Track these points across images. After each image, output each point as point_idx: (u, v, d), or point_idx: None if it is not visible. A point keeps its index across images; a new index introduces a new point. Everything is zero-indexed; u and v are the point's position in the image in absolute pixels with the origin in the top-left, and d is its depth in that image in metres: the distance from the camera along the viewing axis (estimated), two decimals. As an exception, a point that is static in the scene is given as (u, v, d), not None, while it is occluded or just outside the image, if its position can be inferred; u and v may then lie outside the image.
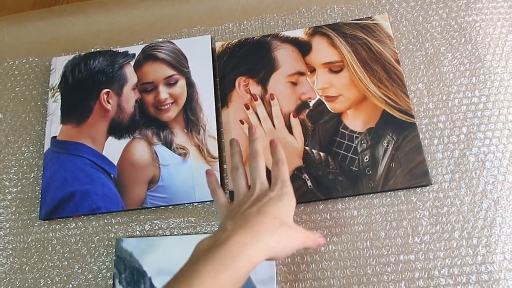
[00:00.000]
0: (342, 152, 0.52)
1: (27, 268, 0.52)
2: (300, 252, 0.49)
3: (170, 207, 0.53)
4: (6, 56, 0.63)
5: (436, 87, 0.54)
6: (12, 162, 0.57)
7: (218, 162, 0.53)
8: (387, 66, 0.55)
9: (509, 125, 0.52)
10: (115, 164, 0.54)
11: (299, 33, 0.58)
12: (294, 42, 0.57)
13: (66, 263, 0.52)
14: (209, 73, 0.57)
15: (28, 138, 0.58)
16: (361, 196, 0.51)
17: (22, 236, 0.54)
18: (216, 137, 0.54)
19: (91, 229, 0.53)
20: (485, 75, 0.54)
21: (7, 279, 0.52)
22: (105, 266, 0.51)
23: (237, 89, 0.56)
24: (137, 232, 0.52)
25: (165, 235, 0.51)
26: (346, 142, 0.52)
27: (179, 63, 0.58)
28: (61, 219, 0.54)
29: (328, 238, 0.50)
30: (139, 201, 0.52)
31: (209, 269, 0.34)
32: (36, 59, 0.63)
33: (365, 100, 0.54)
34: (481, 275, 0.46)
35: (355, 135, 0.52)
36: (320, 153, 0.52)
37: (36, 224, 0.54)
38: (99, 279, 0.51)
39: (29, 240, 0.54)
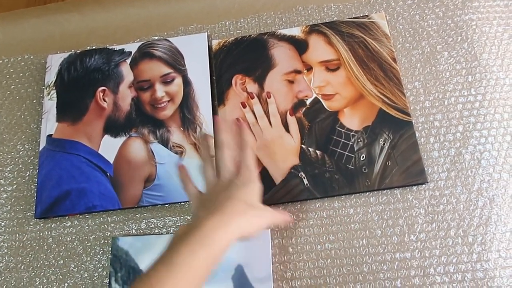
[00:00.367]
0: (338, 150, 0.52)
1: (22, 267, 0.52)
2: (297, 250, 0.49)
3: (166, 205, 0.53)
4: (1, 54, 0.63)
5: (433, 85, 0.55)
6: (8, 161, 0.57)
7: (215, 160, 0.53)
8: (384, 65, 0.55)
9: (505, 123, 0.52)
10: (111, 163, 0.54)
11: (296, 31, 0.58)
12: (291, 40, 0.57)
13: (62, 262, 0.52)
14: (206, 71, 0.57)
15: (23, 137, 0.58)
16: (357, 194, 0.51)
17: (17, 235, 0.53)
18: (212, 135, 0.54)
19: (87, 227, 0.53)
20: (481, 74, 0.55)
21: (2, 278, 0.52)
22: (101, 265, 0.51)
23: (233, 87, 0.56)
24: (133, 231, 0.52)
25: (162, 234, 0.51)
26: (342, 140, 0.52)
27: (176, 61, 0.58)
28: (56, 218, 0.54)
29: (325, 237, 0.50)
30: (135, 200, 0.52)
31: (186, 249, 0.38)
32: (32, 57, 0.62)
33: (362, 99, 0.54)
34: (476, 273, 0.47)
35: (351, 133, 0.52)
36: (317, 151, 0.52)
37: (31, 223, 0.54)
38: (95, 278, 0.51)
39: (25, 238, 0.53)
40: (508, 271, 0.47)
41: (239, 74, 0.56)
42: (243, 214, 0.41)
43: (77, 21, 0.63)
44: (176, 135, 0.54)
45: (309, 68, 0.55)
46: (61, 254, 0.52)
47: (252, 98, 0.55)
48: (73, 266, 0.52)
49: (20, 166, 0.57)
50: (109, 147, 0.55)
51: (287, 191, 0.51)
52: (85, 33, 0.62)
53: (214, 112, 0.56)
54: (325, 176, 0.51)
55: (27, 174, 0.56)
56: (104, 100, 0.57)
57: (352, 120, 0.53)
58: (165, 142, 0.54)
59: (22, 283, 0.51)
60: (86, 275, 0.51)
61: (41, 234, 0.53)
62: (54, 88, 0.58)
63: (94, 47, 0.61)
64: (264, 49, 0.57)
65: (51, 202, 0.53)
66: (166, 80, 0.57)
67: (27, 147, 0.58)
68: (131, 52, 0.59)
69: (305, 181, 0.51)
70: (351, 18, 0.58)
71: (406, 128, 0.52)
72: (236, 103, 0.55)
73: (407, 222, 0.49)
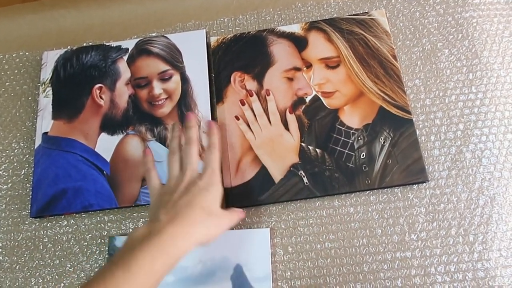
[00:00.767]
0: (338, 148, 0.51)
1: (17, 267, 0.51)
2: (296, 249, 0.49)
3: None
4: (-4, 50, 0.62)
5: (433, 83, 0.54)
6: (2, 159, 0.56)
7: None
8: (384, 62, 0.54)
9: (506, 121, 0.52)
10: (108, 161, 0.53)
11: (295, 28, 0.57)
12: (290, 37, 0.57)
13: (58, 261, 0.51)
14: (204, 68, 0.57)
15: (18, 134, 0.57)
16: (357, 193, 0.50)
17: (12, 234, 0.53)
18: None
19: (83, 227, 0.52)
20: (482, 71, 0.54)
21: (-3, 278, 0.51)
22: (97, 265, 0.50)
23: (232, 84, 0.55)
24: (130, 230, 0.51)
25: (159, 233, 0.51)
26: (342, 138, 0.52)
27: (174, 58, 0.57)
28: (52, 217, 0.53)
29: (325, 236, 0.49)
30: (133, 198, 0.51)
31: (145, 255, 0.38)
32: (27, 53, 0.61)
33: (362, 96, 0.53)
34: (478, 272, 0.46)
35: (351, 131, 0.52)
36: (317, 149, 0.51)
37: (26, 222, 0.53)
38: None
39: (20, 238, 0.52)
40: (510, 270, 0.46)
41: (238, 71, 0.56)
42: (203, 223, 0.42)
43: (73, 17, 0.62)
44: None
45: (309, 66, 0.55)
46: (57, 253, 0.51)
47: (251, 95, 0.54)
48: (69, 266, 0.51)
49: (15, 164, 0.56)
50: (106, 145, 0.54)
51: (287, 189, 0.50)
52: (81, 29, 0.61)
53: (213, 110, 0.55)
54: (325, 175, 0.50)
55: (22, 173, 0.55)
56: (101, 98, 0.56)
57: (352, 118, 0.52)
58: (162, 140, 0.54)
59: (17, 284, 0.51)
60: (82, 275, 0.50)
61: (36, 234, 0.52)
62: (49, 85, 0.57)
63: (90, 43, 0.60)
64: (263, 46, 0.56)
65: (47, 201, 0.52)
66: (163, 77, 0.56)
67: (22, 145, 0.57)
68: (128, 49, 0.58)
69: (305, 180, 0.50)
70: (351, 15, 0.57)
71: (407, 126, 0.51)
72: (235, 100, 0.54)
73: (407, 221, 0.49)
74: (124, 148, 0.54)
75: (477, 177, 0.50)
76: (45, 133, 0.55)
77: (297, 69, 0.55)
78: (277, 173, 0.51)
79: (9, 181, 0.55)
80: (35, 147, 0.55)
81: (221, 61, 0.57)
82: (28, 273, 0.51)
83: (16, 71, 0.61)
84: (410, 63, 0.55)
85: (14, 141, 0.57)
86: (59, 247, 0.52)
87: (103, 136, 0.54)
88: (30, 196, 0.53)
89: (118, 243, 0.50)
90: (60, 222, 0.53)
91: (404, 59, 0.56)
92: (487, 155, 0.51)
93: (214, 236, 0.43)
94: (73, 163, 0.53)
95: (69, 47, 0.60)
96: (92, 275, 0.50)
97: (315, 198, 0.50)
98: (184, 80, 0.56)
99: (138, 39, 0.59)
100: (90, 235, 0.52)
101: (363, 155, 0.51)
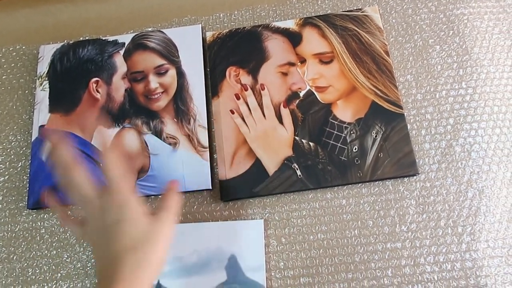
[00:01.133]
0: (331, 142, 0.52)
1: (14, 257, 0.52)
2: (289, 240, 0.50)
3: (159, 196, 0.53)
4: (-8, 44, 0.62)
5: (424, 78, 0.55)
6: (-1, 151, 0.57)
7: (208, 152, 0.53)
8: (377, 58, 0.55)
9: (495, 116, 0.53)
10: (105, 153, 0.54)
11: (290, 24, 0.58)
12: (285, 33, 0.57)
13: (55, 252, 0.52)
14: (200, 63, 0.57)
15: (15, 127, 0.58)
16: (349, 185, 0.51)
17: (9, 226, 0.53)
18: (206, 126, 0.54)
19: (80, 218, 0.53)
20: (472, 68, 0.55)
21: (-6, 268, 0.52)
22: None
23: (227, 79, 0.56)
24: (127, 221, 0.52)
25: (155, 224, 0.51)
26: (335, 132, 0.53)
27: (170, 52, 0.58)
28: (49, 209, 0.53)
29: (317, 227, 0.50)
30: (129, 190, 0.52)
31: None
32: (24, 47, 0.62)
33: (355, 91, 0.54)
34: (466, 262, 0.48)
35: (344, 125, 0.53)
36: (310, 143, 0.52)
37: (24, 214, 0.54)
38: (88, 268, 0.51)
39: (17, 229, 0.53)
40: (496, 260, 0.48)
41: (233, 66, 0.57)
42: (143, 262, 0.36)
43: (70, 11, 0.63)
44: (170, 126, 0.54)
45: (303, 61, 0.56)
46: (54, 244, 0.52)
47: (246, 90, 0.55)
48: (66, 256, 0.51)
49: (12, 157, 0.56)
50: (102, 138, 0.54)
51: (280, 182, 0.51)
52: (78, 23, 0.62)
53: (208, 104, 0.56)
54: (318, 168, 0.51)
55: (19, 165, 0.56)
56: (97, 91, 0.57)
57: (345, 112, 0.53)
58: (158, 133, 0.54)
59: (14, 274, 0.51)
60: (79, 265, 0.51)
61: (33, 225, 0.53)
62: (46, 78, 0.58)
63: (87, 37, 0.61)
64: (258, 41, 0.57)
65: (44, 193, 0.53)
66: (159, 72, 0.57)
67: (19, 137, 0.57)
68: (124, 43, 0.59)
69: (298, 172, 0.51)
70: (345, 11, 0.58)
71: (398, 120, 0.52)
72: (230, 94, 0.55)
73: (398, 213, 0.50)
74: (120, 141, 0.54)
75: (466, 171, 0.51)
76: (42, 126, 0.56)
77: (292, 64, 0.56)
78: (271, 166, 0.52)
79: (6, 173, 0.56)
80: (32, 140, 0.55)
81: (216, 56, 0.57)
82: (25, 264, 0.52)
83: (12, 64, 0.61)
84: (402, 59, 0.56)
85: (11, 133, 0.57)
86: (56, 238, 0.52)
87: (100, 129, 0.55)
88: (27, 188, 0.54)
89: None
90: (57, 214, 0.53)
91: (396, 55, 0.57)
92: (476, 149, 0.52)
93: (163, 258, 0.37)
94: (69, 156, 0.54)
95: (65, 41, 0.60)
96: (88, 265, 0.51)
97: (308, 191, 0.51)
98: (180, 74, 0.57)
99: (135, 34, 0.59)
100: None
101: (355, 148, 0.52)
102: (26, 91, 0.59)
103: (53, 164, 0.40)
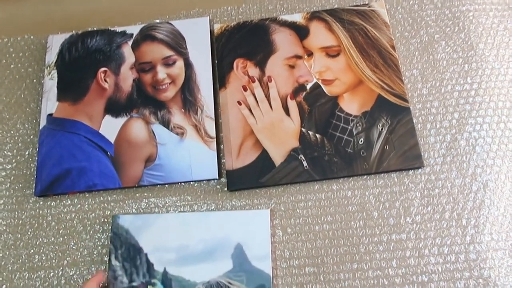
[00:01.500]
0: (337, 134, 0.53)
1: (21, 244, 0.52)
2: (295, 230, 0.50)
3: (166, 185, 0.53)
4: (1, 33, 0.63)
5: (430, 73, 0.56)
6: (7, 139, 0.57)
7: (215, 142, 0.54)
8: (383, 52, 0.56)
9: (499, 111, 0.54)
10: (112, 142, 0.54)
11: (297, 18, 0.58)
12: (292, 26, 0.58)
13: (61, 239, 0.52)
14: (207, 54, 0.58)
15: (23, 116, 0.58)
16: (355, 177, 0.52)
17: (16, 213, 0.54)
18: (213, 117, 0.55)
19: (86, 206, 0.53)
20: (477, 63, 0.56)
21: (1, 254, 0.52)
22: (100, 243, 0.51)
23: (235, 71, 0.56)
24: (133, 210, 0.53)
25: (162, 213, 0.52)
26: (341, 124, 0.53)
27: (177, 44, 0.58)
28: (56, 196, 0.54)
29: (323, 218, 0.51)
30: (136, 179, 0.53)
31: None
32: (32, 37, 0.62)
33: (361, 84, 0.55)
34: (469, 254, 0.48)
35: (350, 118, 0.53)
36: (316, 134, 0.53)
37: (31, 201, 0.54)
38: (95, 256, 0.51)
39: (24, 216, 0.53)
40: (500, 253, 0.48)
41: (240, 58, 0.57)
42: None
43: (78, 2, 0.63)
44: (177, 117, 0.55)
45: (310, 54, 0.56)
46: (60, 232, 0.52)
47: (253, 81, 0.56)
48: (72, 243, 0.52)
49: (20, 144, 0.57)
50: (110, 127, 0.55)
51: (287, 173, 0.51)
52: (86, 14, 0.62)
53: (216, 95, 0.56)
54: (324, 159, 0.52)
55: (27, 153, 0.56)
56: (105, 81, 0.57)
57: (351, 105, 0.54)
58: (166, 123, 0.55)
59: (20, 260, 0.51)
60: (85, 252, 0.51)
61: (40, 212, 0.53)
62: (55, 68, 0.58)
63: (95, 28, 0.61)
64: (265, 34, 0.58)
65: (51, 180, 0.53)
66: (167, 63, 0.57)
67: (26, 126, 0.57)
68: (132, 34, 0.59)
69: (305, 164, 0.52)
70: (352, 5, 0.59)
71: (404, 114, 0.53)
72: (237, 86, 0.56)
73: (403, 205, 0.50)
74: (128, 130, 0.55)
75: (470, 164, 0.52)
76: (50, 115, 0.56)
77: (299, 57, 0.56)
78: (277, 157, 0.52)
79: (14, 160, 0.56)
80: (40, 128, 0.56)
81: (224, 48, 0.58)
82: (32, 250, 0.52)
83: (20, 54, 0.61)
84: (408, 54, 0.57)
85: (19, 122, 0.58)
86: (63, 225, 0.53)
87: (107, 118, 0.55)
88: (35, 176, 0.54)
89: (121, 222, 0.51)
90: (64, 202, 0.54)
91: (402, 49, 0.57)
92: (480, 143, 0.52)
93: None
94: (77, 144, 0.54)
95: (74, 31, 0.61)
96: (95, 252, 0.51)
97: (314, 182, 0.52)
98: (188, 65, 0.57)
99: (143, 25, 0.60)
100: (93, 214, 0.53)
101: (361, 140, 0.52)
102: (34, 80, 0.60)
103: None
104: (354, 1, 0.60)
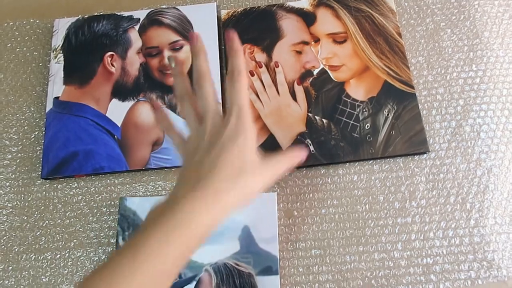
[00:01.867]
0: (344, 119, 0.53)
1: (27, 226, 0.52)
2: (301, 213, 0.51)
3: (173, 169, 0.53)
4: (6, 17, 0.62)
5: (436, 60, 0.56)
6: (13, 122, 0.57)
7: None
8: (389, 39, 0.56)
9: (503, 99, 0.54)
10: (119, 126, 0.54)
11: (304, 4, 0.59)
12: (299, 13, 0.58)
13: (68, 221, 0.52)
14: (214, 40, 0.58)
15: (29, 99, 0.58)
16: (361, 161, 0.52)
17: (22, 195, 0.54)
18: (220, 102, 0.55)
19: (93, 189, 0.53)
20: (482, 51, 0.56)
21: (7, 237, 0.52)
22: (107, 225, 0.52)
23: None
24: (140, 193, 0.53)
25: (169, 196, 0.52)
26: (348, 110, 0.53)
27: (184, 29, 0.58)
28: (63, 179, 0.54)
29: (329, 201, 0.51)
30: (143, 162, 0.53)
31: (157, 236, 0.31)
32: (37, 21, 0.62)
33: (368, 71, 0.55)
34: (474, 238, 0.49)
35: (357, 103, 0.54)
36: (323, 119, 0.53)
37: (37, 183, 0.54)
38: (101, 237, 0.51)
39: (30, 199, 0.53)
40: (504, 236, 0.49)
41: (247, 43, 0.57)
42: (232, 186, 0.34)
43: (85, -13, 0.63)
44: (185, 101, 0.55)
45: (317, 40, 0.57)
46: (67, 214, 0.52)
47: (260, 67, 0.56)
48: (79, 226, 0.52)
49: (26, 127, 0.57)
50: (117, 111, 0.55)
51: (293, 157, 0.52)
52: (92, -1, 0.62)
53: (223, 80, 0.56)
54: (331, 144, 0.52)
55: (33, 136, 0.56)
56: (112, 65, 0.57)
57: (358, 91, 0.54)
58: (173, 107, 0.55)
59: (27, 242, 0.52)
60: (92, 234, 0.51)
61: (47, 195, 0.53)
62: (61, 51, 0.58)
63: (101, 13, 0.61)
64: (272, 20, 0.58)
65: (58, 163, 0.53)
66: (174, 47, 0.58)
67: (32, 109, 0.57)
68: (139, 19, 0.59)
69: (311, 148, 0.52)
70: (359, -7, 0.59)
71: (410, 100, 0.53)
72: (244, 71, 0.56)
73: (408, 189, 0.51)
74: (135, 113, 0.55)
75: (475, 150, 0.52)
76: (56, 98, 0.56)
77: (305, 43, 0.57)
78: (284, 141, 0.52)
79: (20, 143, 0.56)
80: (46, 111, 0.56)
81: (231, 33, 0.58)
82: (38, 232, 0.52)
83: (26, 37, 0.61)
84: (414, 41, 0.57)
85: (25, 105, 0.58)
86: (70, 208, 0.53)
87: (114, 102, 0.55)
88: (41, 159, 0.54)
89: (129, 203, 0.51)
90: (71, 184, 0.54)
91: (408, 37, 0.58)
92: (485, 129, 0.53)
93: (253, 195, 0.35)
94: (84, 127, 0.54)
95: (80, 16, 0.60)
96: (102, 235, 0.51)
97: (321, 166, 0.52)
98: (195, 50, 0.57)
99: (150, 10, 0.60)
100: (100, 197, 0.53)
101: (367, 126, 0.53)
102: (40, 64, 0.60)
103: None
104: (361, -12, 0.60)
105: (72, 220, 0.52)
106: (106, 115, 0.55)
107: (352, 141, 0.52)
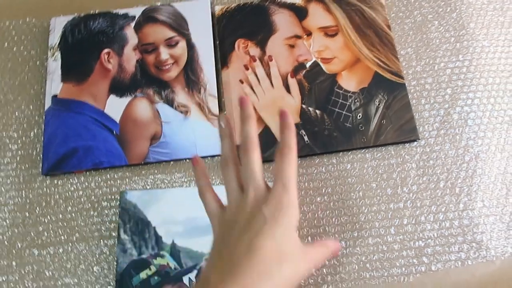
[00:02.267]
0: (336, 110, 0.55)
1: (30, 222, 0.53)
2: (298, 201, 0.52)
3: (172, 162, 0.55)
4: (3, 16, 0.63)
5: (424, 51, 0.58)
6: (12, 120, 0.58)
7: (218, 120, 0.55)
8: (379, 31, 0.58)
9: (489, 87, 0.56)
10: (117, 121, 0.55)
11: (296, -1, 0.60)
12: (291, 7, 0.60)
13: (69, 216, 0.53)
14: (209, 35, 0.59)
15: (27, 97, 0.59)
16: (354, 150, 0.54)
17: (24, 192, 0.54)
18: (216, 96, 0.56)
19: (93, 183, 0.54)
20: (468, 42, 0.58)
21: (10, 232, 0.53)
22: (108, 219, 0.53)
23: (236, 50, 0.58)
24: (140, 187, 0.54)
25: (169, 188, 0.53)
26: (340, 100, 0.55)
27: (179, 25, 0.60)
28: (63, 175, 0.55)
29: (324, 190, 0.53)
30: (142, 156, 0.54)
31: None
32: (34, 20, 0.63)
33: (358, 62, 0.57)
34: (463, 220, 0.51)
35: (349, 94, 0.55)
36: (316, 110, 0.55)
37: (38, 180, 0.55)
38: (103, 231, 0.52)
39: (31, 195, 0.54)
40: (491, 218, 0.51)
41: (241, 38, 0.59)
42: (271, 276, 0.30)
43: (79, -14, 0.64)
44: (181, 96, 0.56)
45: (309, 34, 0.58)
46: (68, 209, 0.54)
47: (255, 61, 0.57)
48: (80, 220, 0.53)
49: (25, 125, 0.57)
50: (114, 107, 0.56)
51: (289, 147, 0.53)
52: (88, -3, 0.63)
53: (218, 74, 0.58)
54: (324, 134, 0.54)
55: (32, 134, 0.57)
56: (109, 62, 0.58)
57: (350, 82, 0.56)
58: (170, 102, 0.56)
59: (29, 237, 0.53)
60: (94, 228, 0.53)
61: (48, 191, 0.54)
62: (58, 49, 0.59)
63: (97, 11, 0.62)
64: (265, 15, 0.59)
65: (58, 159, 0.54)
66: (170, 44, 0.59)
67: (31, 107, 0.58)
68: (135, 16, 0.60)
69: (306, 138, 0.54)
70: (348, -13, 0.61)
71: (400, 90, 0.55)
72: (239, 65, 0.57)
73: (400, 176, 0.53)
74: (133, 109, 0.56)
75: (463, 136, 0.54)
76: (55, 96, 0.57)
77: (298, 37, 0.58)
78: (279, 132, 0.54)
79: (19, 141, 0.57)
80: (45, 109, 0.57)
81: (225, 29, 0.59)
82: (41, 228, 0.53)
83: (23, 37, 0.62)
84: (403, 33, 0.59)
85: (23, 103, 0.58)
86: (71, 203, 0.54)
87: (112, 98, 0.57)
88: (41, 156, 0.55)
89: (129, 197, 0.52)
90: (71, 180, 0.55)
91: (397, 29, 0.59)
92: (472, 117, 0.55)
93: (292, 285, 0.32)
94: (83, 124, 0.55)
95: (76, 14, 0.61)
96: (103, 228, 0.52)
97: (315, 155, 0.54)
98: (190, 46, 0.59)
99: (145, 7, 0.61)
100: (100, 192, 0.54)
101: (359, 116, 0.54)
102: (37, 62, 0.60)
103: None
104: (350, -17, 0.62)
105: (73, 214, 0.53)
106: (104, 111, 0.56)
107: (345, 131, 0.54)
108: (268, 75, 0.57)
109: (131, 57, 0.58)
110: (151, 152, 0.54)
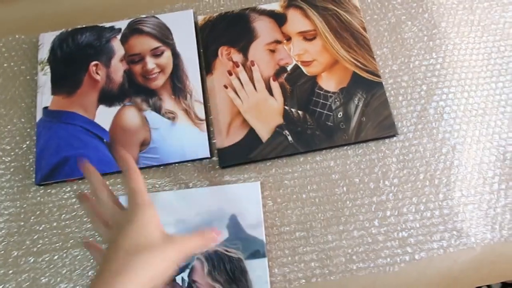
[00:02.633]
0: (318, 109, 0.57)
1: (25, 231, 0.55)
2: (284, 199, 0.54)
3: (161, 167, 0.57)
4: (-8, 35, 0.65)
5: (399, 51, 0.61)
6: (4, 133, 0.59)
7: (205, 124, 0.57)
8: (356, 34, 0.61)
9: (462, 82, 0.59)
10: (107, 130, 0.57)
11: (275, 6, 0.63)
12: (271, 14, 0.62)
13: (63, 223, 0.55)
14: (193, 44, 0.61)
15: (19, 111, 0.60)
16: (336, 148, 0.56)
17: (18, 202, 0.56)
18: (202, 101, 0.58)
19: (86, 191, 0.56)
20: (440, 40, 0.61)
21: (5, 242, 0.54)
22: (101, 224, 0.54)
23: (219, 57, 0.60)
24: (131, 192, 0.56)
25: (159, 192, 0.55)
26: (321, 101, 0.58)
27: (164, 35, 0.62)
28: (56, 184, 0.56)
29: (309, 186, 0.55)
30: (132, 162, 0.56)
31: None
32: (23, 36, 0.65)
33: (337, 64, 0.59)
34: (443, 210, 0.53)
35: (329, 94, 0.58)
36: (299, 111, 0.57)
37: (32, 190, 0.56)
38: (97, 236, 0.54)
39: (26, 205, 0.56)
40: (470, 207, 0.53)
41: (224, 45, 0.61)
42: (130, 266, 0.35)
43: (67, 1, 0.66)
44: (168, 102, 0.58)
45: (288, 39, 0.61)
46: (62, 217, 0.55)
47: (238, 66, 0.60)
48: (74, 227, 0.54)
49: (17, 138, 0.59)
50: (104, 116, 0.58)
51: (273, 147, 0.56)
52: (75, 12, 0.65)
53: (203, 80, 0.60)
54: (307, 133, 0.56)
55: (24, 146, 0.59)
56: (97, 73, 0.60)
57: (329, 83, 0.58)
58: (157, 109, 0.58)
59: (25, 246, 0.54)
60: (88, 234, 0.54)
61: (42, 200, 0.56)
62: (47, 63, 0.61)
63: (84, 25, 0.64)
64: (246, 23, 0.62)
65: (51, 169, 0.56)
66: (156, 53, 0.61)
67: (23, 120, 0.60)
68: (121, 29, 0.62)
69: (289, 138, 0.56)
70: (325, -7, 0.63)
71: (377, 88, 0.58)
72: (222, 71, 0.60)
73: (381, 170, 0.55)
74: (122, 117, 0.58)
75: (439, 130, 0.57)
76: (46, 108, 0.59)
77: (278, 42, 0.61)
78: (264, 133, 0.56)
79: (12, 153, 0.58)
80: (37, 121, 0.58)
81: (208, 37, 0.62)
82: (36, 236, 0.54)
83: (13, 53, 0.64)
84: (378, 34, 0.62)
85: (15, 117, 0.60)
86: (64, 210, 0.55)
87: (102, 108, 0.58)
88: (34, 167, 0.57)
89: (121, 200, 0.54)
90: (64, 188, 0.56)
91: (372, 31, 0.62)
92: (447, 111, 0.58)
93: (161, 276, 0.36)
94: (74, 134, 0.57)
95: (63, 29, 0.63)
96: (96, 234, 0.54)
97: (299, 154, 0.56)
98: (175, 55, 0.61)
99: (130, 20, 0.63)
100: (93, 198, 0.55)
101: (340, 114, 0.57)
102: (28, 77, 0.62)
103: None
104: (326, -11, 0.65)
105: (67, 222, 0.55)
106: (95, 120, 0.58)
107: (327, 129, 0.56)
108: (251, 80, 0.59)
109: (118, 68, 0.60)
110: (141, 158, 0.56)
